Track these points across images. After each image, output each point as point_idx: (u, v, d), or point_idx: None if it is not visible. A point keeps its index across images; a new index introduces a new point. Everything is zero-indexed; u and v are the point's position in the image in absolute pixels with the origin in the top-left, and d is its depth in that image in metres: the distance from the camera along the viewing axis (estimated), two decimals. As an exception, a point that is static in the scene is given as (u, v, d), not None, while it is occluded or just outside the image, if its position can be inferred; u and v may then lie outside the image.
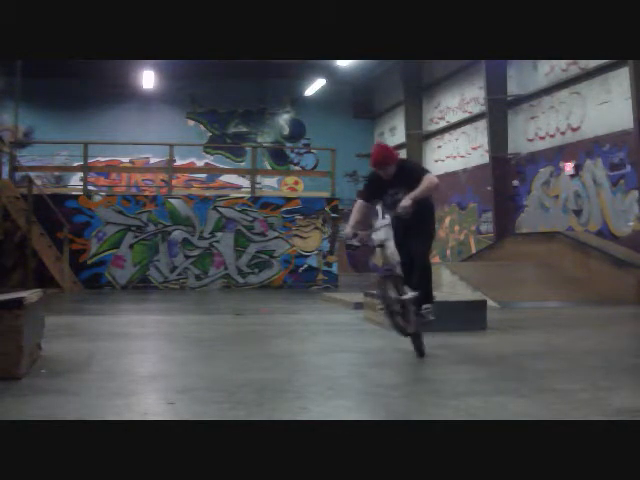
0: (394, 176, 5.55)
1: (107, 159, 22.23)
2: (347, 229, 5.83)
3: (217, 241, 15.38)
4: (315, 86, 23.31)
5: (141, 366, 5.47)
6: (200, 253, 15.37)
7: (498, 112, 16.57)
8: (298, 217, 15.89)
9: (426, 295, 5.61)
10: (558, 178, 14.64)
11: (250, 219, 15.64)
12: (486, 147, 17.15)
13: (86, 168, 16.19)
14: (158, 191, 20.29)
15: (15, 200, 14.17)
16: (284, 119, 25.15)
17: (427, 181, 5.40)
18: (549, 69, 14.99)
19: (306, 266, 15.87)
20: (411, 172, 5.57)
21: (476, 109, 18.12)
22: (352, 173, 25.33)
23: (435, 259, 20.03)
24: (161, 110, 23.73)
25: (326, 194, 16.64)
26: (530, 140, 15.76)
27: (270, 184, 23.60)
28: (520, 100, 16.04)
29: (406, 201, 5.28)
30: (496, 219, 16.63)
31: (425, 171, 5.64)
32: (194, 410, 3.77)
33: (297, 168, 24.60)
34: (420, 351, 5.64)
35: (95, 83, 22.58)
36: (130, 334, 7.31)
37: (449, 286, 11.19)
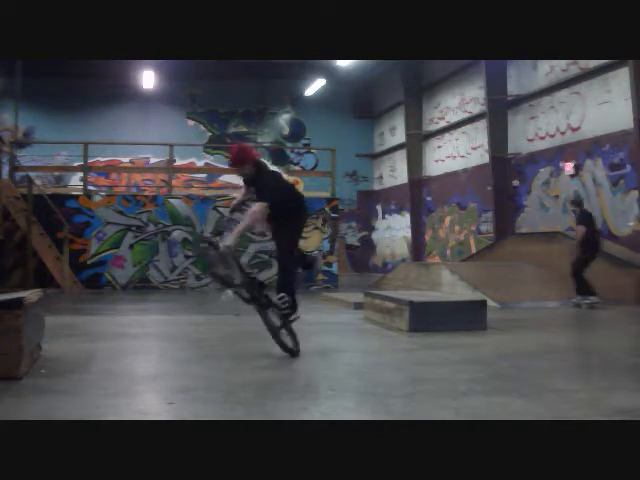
0: (253, 177, 5.76)
1: (107, 159, 22.25)
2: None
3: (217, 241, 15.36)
4: (315, 86, 23.32)
5: (141, 366, 5.47)
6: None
7: (498, 112, 16.57)
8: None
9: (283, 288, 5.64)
10: (558, 178, 14.65)
11: (250, 219, 15.63)
12: (486, 147, 17.16)
13: (86, 168, 16.19)
14: (158, 191, 20.29)
15: (15, 200, 14.17)
16: (284, 119, 25.16)
17: (247, 216, 5.62)
18: (549, 69, 15.00)
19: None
20: (261, 186, 5.70)
21: (476, 109, 18.12)
22: (352, 173, 25.35)
23: (435, 259, 20.05)
24: (161, 110, 23.74)
25: (326, 194, 16.65)
26: (530, 140, 15.76)
27: (270, 184, 23.56)
28: (520, 100, 16.05)
29: (228, 240, 5.52)
30: (496, 219, 16.64)
31: (265, 193, 5.61)
32: (194, 410, 3.77)
33: (297, 168, 24.60)
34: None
35: (95, 83, 22.60)
36: (130, 334, 7.30)
37: (449, 286, 11.19)
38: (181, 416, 3.64)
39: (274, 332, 5.51)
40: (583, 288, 10.17)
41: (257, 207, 5.57)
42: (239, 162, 5.76)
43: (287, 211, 5.67)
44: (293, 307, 5.59)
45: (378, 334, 7.30)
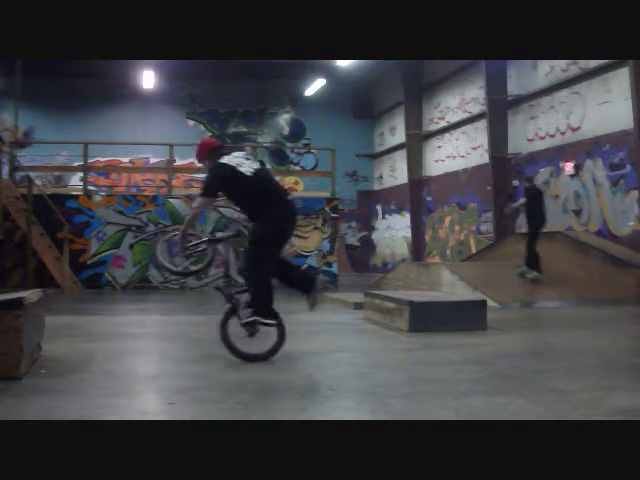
0: None
1: (107, 159, 22.25)
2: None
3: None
4: (315, 86, 23.32)
5: (141, 366, 5.47)
6: (200, 253, 15.35)
7: (498, 112, 16.57)
8: (298, 217, 15.88)
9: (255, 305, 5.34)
10: (558, 178, 14.65)
11: (250, 219, 15.65)
12: (486, 147, 17.15)
13: (86, 168, 16.19)
14: (158, 191, 20.29)
15: (15, 200, 14.17)
16: (284, 119, 25.15)
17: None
18: (549, 69, 15.00)
19: (306, 266, 15.87)
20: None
21: (476, 109, 18.12)
22: (352, 173, 25.35)
23: (435, 259, 20.04)
24: (161, 110, 23.74)
25: (326, 194, 16.65)
26: (530, 140, 15.76)
27: (270, 184, 23.56)
28: (520, 100, 16.05)
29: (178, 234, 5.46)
30: (496, 219, 16.64)
31: (201, 188, 5.60)
32: (194, 410, 3.77)
33: (297, 168, 24.60)
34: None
35: (95, 83, 22.60)
36: (130, 334, 7.30)
37: (449, 286, 11.19)
38: (181, 416, 3.64)
39: (222, 334, 5.29)
40: (532, 261, 11.47)
41: (194, 202, 5.57)
42: (199, 157, 5.64)
43: (252, 207, 5.50)
44: (257, 309, 5.27)
45: (378, 334, 7.30)
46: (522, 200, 12.02)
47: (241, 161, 5.46)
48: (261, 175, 5.50)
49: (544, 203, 12.14)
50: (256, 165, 5.51)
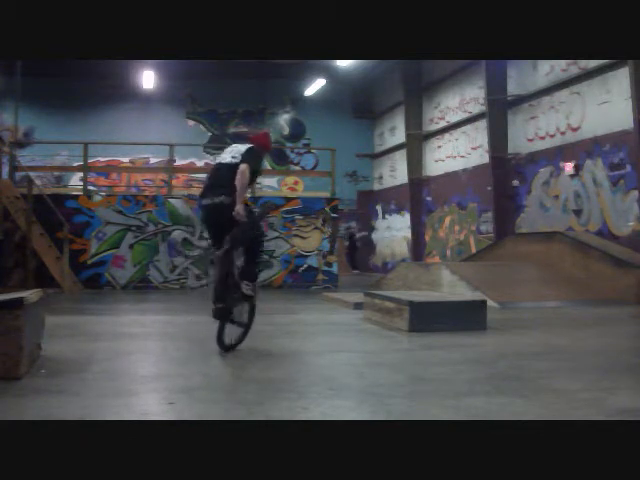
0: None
1: (107, 159, 22.25)
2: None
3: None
4: (315, 86, 23.33)
5: (141, 366, 5.47)
6: (200, 253, 15.36)
7: (498, 112, 16.57)
8: (298, 217, 15.90)
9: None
10: (558, 178, 14.65)
11: (250, 219, 15.62)
12: (486, 147, 17.16)
13: (86, 168, 16.19)
14: (158, 191, 20.29)
15: (15, 200, 14.17)
16: (284, 119, 25.16)
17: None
18: (549, 69, 15.00)
19: (306, 266, 15.87)
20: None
21: (476, 109, 18.12)
22: (352, 173, 25.35)
23: (435, 259, 20.05)
24: (161, 110, 23.75)
25: (326, 194, 16.65)
26: (530, 140, 15.76)
27: (270, 184, 23.61)
28: (520, 100, 16.05)
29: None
30: (496, 219, 16.64)
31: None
32: (194, 410, 3.77)
33: (297, 168, 24.61)
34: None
35: (95, 83, 22.61)
36: (130, 334, 7.30)
37: (449, 286, 11.19)
38: (181, 416, 3.64)
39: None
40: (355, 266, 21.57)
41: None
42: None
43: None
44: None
45: (378, 334, 7.30)
46: (347, 243, 20.88)
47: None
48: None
49: (357, 245, 22.77)
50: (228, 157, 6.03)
